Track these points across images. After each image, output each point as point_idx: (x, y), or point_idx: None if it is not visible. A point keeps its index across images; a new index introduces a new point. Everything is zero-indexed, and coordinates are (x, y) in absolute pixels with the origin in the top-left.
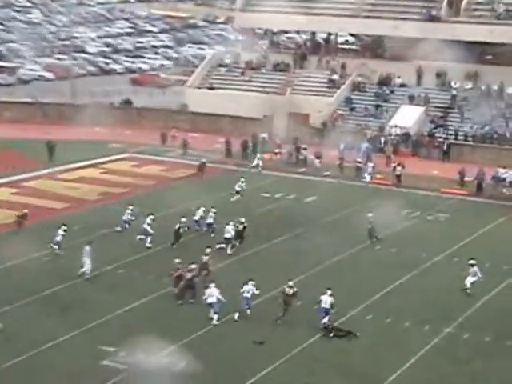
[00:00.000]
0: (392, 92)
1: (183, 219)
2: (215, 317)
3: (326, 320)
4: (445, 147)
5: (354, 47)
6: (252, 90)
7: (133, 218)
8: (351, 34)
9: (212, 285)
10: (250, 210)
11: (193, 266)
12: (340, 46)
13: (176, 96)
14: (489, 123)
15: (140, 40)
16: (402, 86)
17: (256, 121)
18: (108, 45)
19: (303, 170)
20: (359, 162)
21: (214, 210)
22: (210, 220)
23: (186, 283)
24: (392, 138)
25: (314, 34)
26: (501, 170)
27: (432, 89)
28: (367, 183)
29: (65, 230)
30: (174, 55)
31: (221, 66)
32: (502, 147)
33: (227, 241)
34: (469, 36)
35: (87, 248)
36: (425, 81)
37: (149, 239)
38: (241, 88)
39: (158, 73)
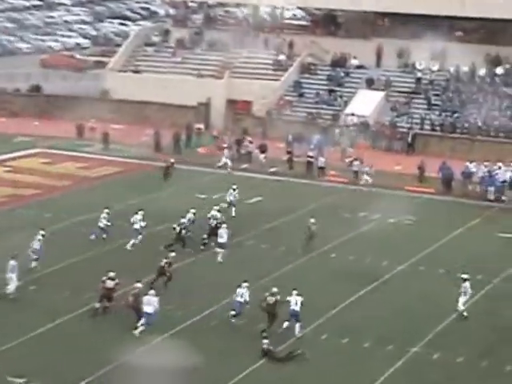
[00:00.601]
0: (347, 75)
1: (182, 220)
2: (140, 327)
3: (297, 330)
4: (409, 138)
5: (303, 23)
6: (185, 73)
7: (109, 224)
8: (300, 8)
9: (151, 292)
10: (180, 215)
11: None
12: (287, 22)
13: (95, 81)
14: (459, 110)
15: (51, 14)
16: (359, 67)
17: (190, 109)
18: (12, 20)
19: (246, 166)
20: (310, 157)
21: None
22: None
23: (105, 293)
24: (348, 128)
25: (256, 7)
26: (469, 165)
27: (393, 71)
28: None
29: None
30: (92, 32)
31: (147, 45)
32: (474, 138)
33: (221, 246)
34: (435, 9)
35: (12, 263)
36: (385, 62)
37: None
38: (171, 71)
39: (72, 53)
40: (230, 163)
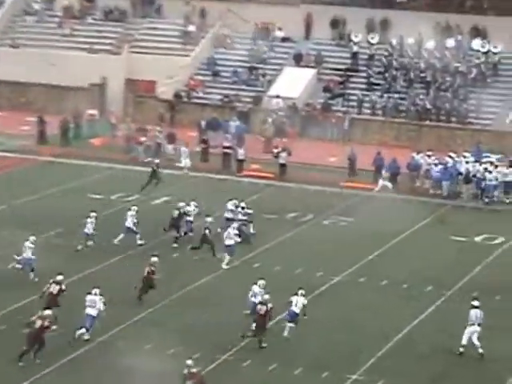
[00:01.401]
0: (271, 49)
1: (208, 219)
2: (81, 331)
3: (287, 328)
4: (346, 124)
5: None
6: (74, 48)
7: (94, 232)
8: None
9: (95, 291)
10: (69, 220)
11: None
12: None
13: None
14: (404, 91)
15: None
16: (285, 40)
17: (80, 91)
18: None
19: (151, 159)
20: (228, 148)
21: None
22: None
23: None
24: (273, 112)
25: None
26: (416, 156)
27: (326, 44)
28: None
29: None
30: None
31: (27, 13)
32: (423, 123)
33: (228, 250)
34: None
35: None
36: (316, 33)
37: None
38: (57, 45)
39: None
40: (189, 163)
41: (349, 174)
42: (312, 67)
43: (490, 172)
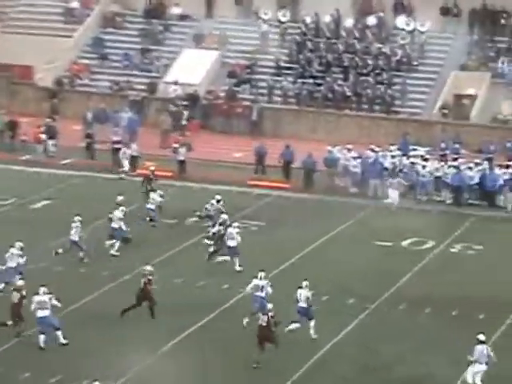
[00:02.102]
0: (167, 29)
1: (224, 216)
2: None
3: (312, 330)
4: (254, 115)
5: None
6: None
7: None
8: None
9: (42, 290)
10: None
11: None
12: None
13: None
14: (320, 75)
15: None
16: (184, 18)
17: None
18: None
19: (27, 157)
20: (118, 143)
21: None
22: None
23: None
24: (170, 102)
25: None
26: (333, 150)
27: (231, 22)
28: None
29: None
30: None
31: None
32: (341, 112)
33: (233, 251)
34: None
35: None
36: (219, 10)
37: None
38: None
39: None
40: (127, 167)
41: (256, 171)
42: (215, 49)
43: (424, 167)
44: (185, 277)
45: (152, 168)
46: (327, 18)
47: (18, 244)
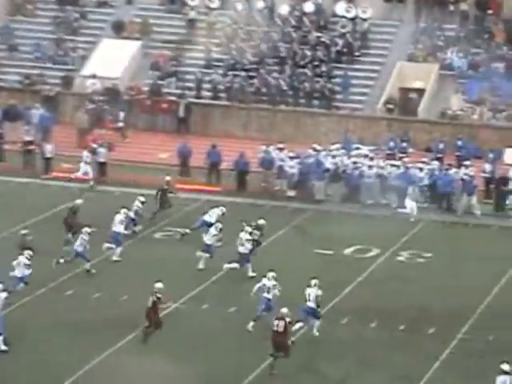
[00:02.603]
0: (83, 16)
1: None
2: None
3: (316, 328)
4: (181, 111)
5: None
6: None
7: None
8: None
9: None
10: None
11: None
12: None
13: None
14: (254, 67)
15: None
16: (102, 4)
17: None
18: None
19: None
20: (30, 143)
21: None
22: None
23: None
24: (88, 97)
25: None
26: (268, 149)
27: (154, 9)
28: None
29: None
30: None
31: None
32: (277, 108)
33: (244, 258)
34: None
35: None
36: None
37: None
38: None
39: None
40: (90, 173)
41: (180, 173)
42: (136, 39)
43: (370, 167)
44: (104, 291)
45: (168, 178)
46: (260, 5)
47: (28, 252)
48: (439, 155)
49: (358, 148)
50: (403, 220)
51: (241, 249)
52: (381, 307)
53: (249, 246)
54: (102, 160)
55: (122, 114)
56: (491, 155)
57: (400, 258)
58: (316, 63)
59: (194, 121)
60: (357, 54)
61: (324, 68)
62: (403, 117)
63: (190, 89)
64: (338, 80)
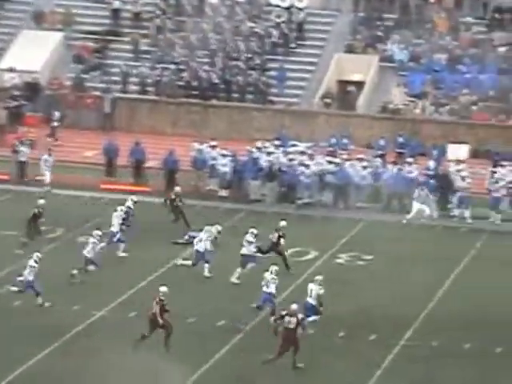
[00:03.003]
0: (1, 6)
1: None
2: None
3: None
4: (106, 106)
5: None
6: None
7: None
8: None
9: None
10: None
11: None
12: None
13: None
14: (181, 60)
15: None
16: None
17: None
18: None
19: None
20: None
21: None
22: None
23: None
24: (6, 91)
25: None
26: (200, 147)
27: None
28: None
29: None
30: None
31: None
32: (208, 103)
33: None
34: None
35: None
36: None
37: None
38: None
39: None
40: (48, 178)
41: (106, 173)
42: (58, 30)
43: (307, 166)
44: (26, 298)
45: (177, 189)
46: None
47: (36, 255)
48: (380, 152)
49: (294, 145)
50: (342, 221)
51: (243, 250)
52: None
53: (251, 248)
54: (23, 159)
55: (57, 114)
56: (435, 152)
57: (339, 261)
58: (249, 55)
59: (120, 117)
60: (292, 45)
61: (258, 60)
62: (342, 111)
63: (115, 83)
64: (272, 73)
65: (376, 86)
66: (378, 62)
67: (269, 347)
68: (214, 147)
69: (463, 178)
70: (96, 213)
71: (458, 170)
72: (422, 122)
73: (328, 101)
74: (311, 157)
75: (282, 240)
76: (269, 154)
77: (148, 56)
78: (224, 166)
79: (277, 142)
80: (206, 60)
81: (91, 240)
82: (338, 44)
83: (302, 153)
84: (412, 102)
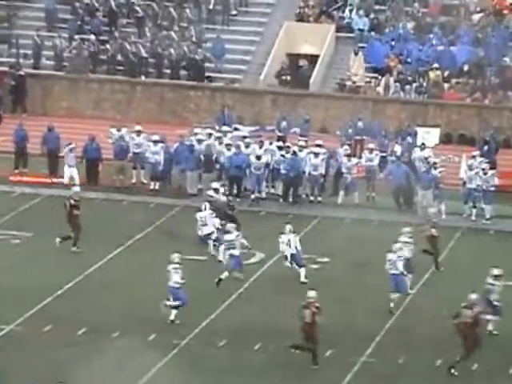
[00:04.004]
0: None
1: None
2: None
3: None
4: (15, 85)
5: None
6: None
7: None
8: None
9: None
10: None
11: None
12: None
13: None
14: (104, 31)
15: None
16: None
17: None
18: None
19: None
20: None
21: None
22: None
23: None
24: None
25: None
26: (115, 132)
27: None
28: None
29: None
30: None
31: None
32: (136, 80)
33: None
34: None
35: None
36: None
37: None
38: None
39: None
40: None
41: (16, 163)
42: None
43: (259, 158)
44: None
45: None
46: None
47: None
48: (280, 134)
49: (236, 129)
50: (294, 217)
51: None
52: (266, 325)
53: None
54: None
55: None
56: (402, 137)
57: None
58: (183, 24)
59: (33, 97)
60: (233, 12)
61: (193, 31)
62: (292, 90)
63: (25, 57)
64: (210, 45)
65: (332, 60)
66: (333, 31)
67: (208, 362)
68: (139, 133)
69: (433, 167)
70: (5, 208)
71: (426, 158)
72: (385, 102)
73: (285, 78)
74: (261, 144)
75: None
76: (199, 141)
77: (64, 25)
78: (155, 154)
79: (218, 126)
80: (132, 30)
81: (171, 267)
82: (287, 11)
83: (244, 137)
84: (374, 78)
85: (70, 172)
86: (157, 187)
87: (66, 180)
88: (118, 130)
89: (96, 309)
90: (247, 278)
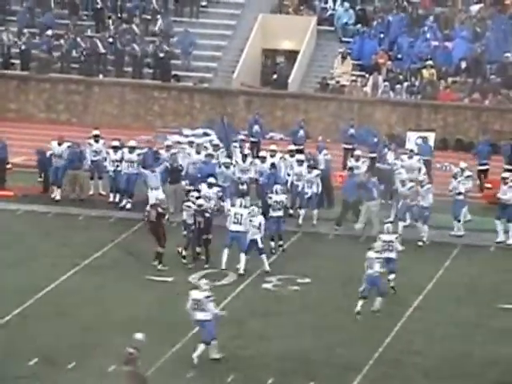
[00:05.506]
0: None
1: None
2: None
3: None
4: None
5: None
6: None
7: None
8: None
9: None
10: None
11: None
12: None
13: None
14: (62, 23)
15: None
16: None
17: None
18: None
19: None
20: None
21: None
22: None
23: None
24: None
25: None
26: (55, 145)
27: None
28: None
29: None
30: None
31: None
32: (92, 79)
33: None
34: None
35: None
36: None
37: None
38: None
39: None
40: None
41: None
42: None
43: (227, 166)
44: None
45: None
46: None
47: None
48: (253, 140)
49: (205, 134)
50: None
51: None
52: (237, 355)
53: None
54: None
55: None
56: (396, 143)
57: (266, 286)
58: (147, 17)
59: None
60: (203, 3)
61: (159, 23)
62: (269, 90)
63: None
64: (177, 39)
65: (313, 56)
66: (315, 25)
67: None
68: (96, 138)
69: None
70: None
71: (403, 166)
72: (373, 104)
73: (259, 77)
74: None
75: None
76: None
77: (12, 18)
78: (115, 162)
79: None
80: (89, 23)
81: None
82: (262, 2)
83: (212, 144)
84: (360, 77)
85: None
86: (116, 200)
87: None
88: (59, 144)
89: (49, 337)
90: (220, 301)
